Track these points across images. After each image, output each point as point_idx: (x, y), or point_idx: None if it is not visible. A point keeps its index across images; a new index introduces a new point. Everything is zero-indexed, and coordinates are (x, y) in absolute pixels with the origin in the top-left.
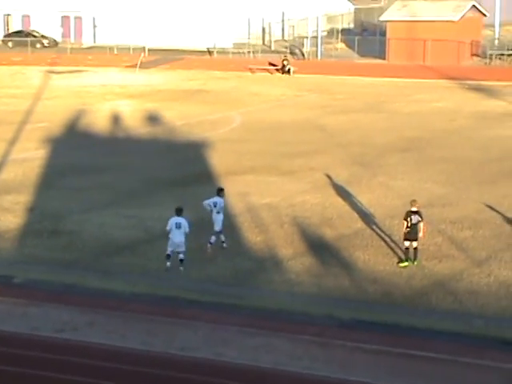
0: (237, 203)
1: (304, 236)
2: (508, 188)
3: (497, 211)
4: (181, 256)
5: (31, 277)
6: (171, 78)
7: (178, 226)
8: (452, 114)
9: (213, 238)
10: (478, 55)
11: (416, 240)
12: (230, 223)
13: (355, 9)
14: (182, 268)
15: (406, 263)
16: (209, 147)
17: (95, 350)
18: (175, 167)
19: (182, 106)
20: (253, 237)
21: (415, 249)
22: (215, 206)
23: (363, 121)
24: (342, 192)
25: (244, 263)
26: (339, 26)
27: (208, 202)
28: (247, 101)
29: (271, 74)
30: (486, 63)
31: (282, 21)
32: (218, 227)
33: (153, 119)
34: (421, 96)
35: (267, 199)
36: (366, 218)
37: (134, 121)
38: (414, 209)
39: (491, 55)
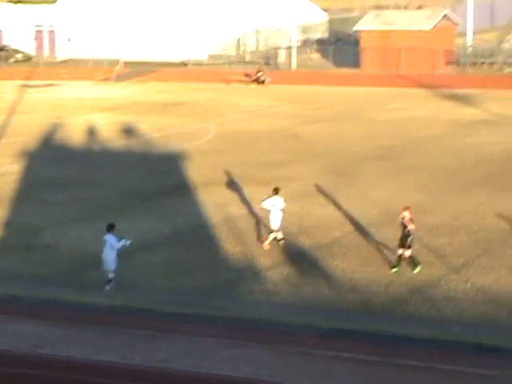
0: (214, 214)
1: (282, 246)
2: (483, 195)
3: (473, 218)
4: (109, 275)
5: (8, 292)
6: (146, 91)
7: (104, 243)
8: (427, 122)
9: (271, 236)
10: (451, 63)
11: (410, 246)
12: (207, 234)
13: (329, 19)
14: (107, 287)
15: (396, 268)
16: (185, 159)
17: (74, 365)
18: (152, 179)
19: (158, 118)
20: (231, 247)
21: (411, 257)
22: (274, 205)
23: (339, 130)
24: (320, 201)
25: (222, 274)
26: (314, 36)
27: (267, 203)
28: (223, 112)
29: (246, 84)
30: (459, 71)
31: (257, 32)
32: (275, 226)
33: (128, 132)
34: (396, 105)
35: (244, 210)
36: (344, 226)
37: (109, 134)
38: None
39: (465, 63)
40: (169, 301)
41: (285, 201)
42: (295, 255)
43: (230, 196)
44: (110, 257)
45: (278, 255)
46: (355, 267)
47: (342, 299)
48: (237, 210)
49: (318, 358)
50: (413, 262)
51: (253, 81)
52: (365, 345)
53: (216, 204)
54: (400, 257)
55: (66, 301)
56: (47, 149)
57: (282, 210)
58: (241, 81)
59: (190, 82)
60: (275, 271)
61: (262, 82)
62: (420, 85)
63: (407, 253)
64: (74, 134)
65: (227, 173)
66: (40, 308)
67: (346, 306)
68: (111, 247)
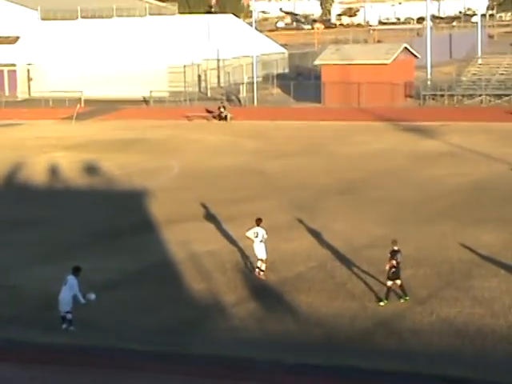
0: (178, 251)
1: (247, 282)
2: (446, 226)
3: (436, 249)
4: (68, 316)
5: None
6: (108, 129)
7: (65, 282)
8: (389, 155)
9: (259, 263)
10: (411, 96)
11: (399, 278)
12: (172, 271)
13: (289, 53)
14: (71, 328)
15: (385, 302)
16: (148, 196)
17: None
18: (115, 217)
19: (120, 155)
20: (196, 284)
21: (401, 286)
22: (257, 237)
23: (301, 164)
24: (283, 236)
25: (188, 311)
26: (274, 71)
27: (250, 233)
28: (186, 148)
29: (208, 121)
30: (419, 104)
31: (218, 67)
32: (260, 255)
33: (91, 170)
34: (357, 138)
35: (209, 246)
36: (308, 261)
37: (71, 172)
38: (395, 248)
39: (424, 96)
40: (133, 339)
41: (267, 232)
42: (260, 290)
43: (194, 233)
44: (67, 298)
45: (243, 291)
46: (320, 301)
47: (307, 334)
48: (201, 246)
49: None
50: (403, 291)
51: (215, 117)
52: (331, 379)
53: (180, 241)
54: (389, 289)
55: (31, 341)
56: (9, 188)
57: (264, 240)
58: (203, 117)
59: (152, 119)
60: (241, 307)
61: (225, 117)
62: (380, 118)
63: (398, 282)
64: (35, 173)
65: (191, 209)
66: (4, 350)
67: (311, 340)
68: (71, 288)
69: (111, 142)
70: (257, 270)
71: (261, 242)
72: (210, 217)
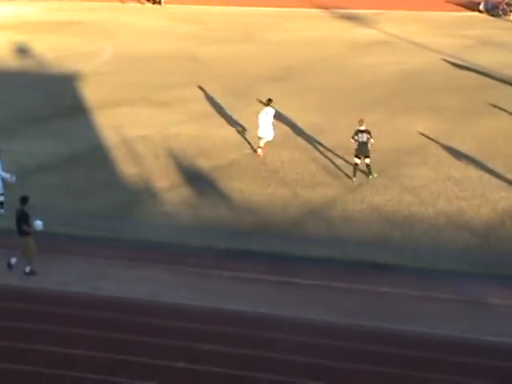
0: (111, 136)
1: (180, 168)
2: (379, 115)
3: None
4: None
5: None
6: (41, 9)
7: None
8: (323, 43)
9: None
10: None
11: (368, 157)
12: (104, 156)
13: None
14: (1, 211)
15: (354, 179)
16: (81, 80)
17: None
18: (47, 101)
19: (52, 38)
20: (128, 169)
21: (368, 165)
22: (266, 114)
23: (236, 51)
24: (217, 123)
25: (119, 196)
26: None
27: (262, 113)
28: (119, 32)
29: (142, 4)
30: None
31: None
32: (262, 133)
33: (22, 52)
34: (291, 25)
35: (142, 131)
36: (242, 148)
37: (2, 53)
38: (362, 128)
39: None
40: (65, 223)
41: (275, 112)
42: (193, 177)
43: (127, 118)
44: None
45: (175, 177)
46: (253, 189)
47: (239, 220)
48: (134, 131)
49: (216, 279)
50: (369, 170)
51: (149, 0)
52: (262, 265)
53: (113, 126)
54: (368, 166)
55: None
56: None
57: (272, 119)
58: (137, 0)
59: (85, 1)
60: (173, 193)
61: (159, 1)
62: (315, 5)
63: (368, 160)
64: None
65: (124, 94)
66: None
67: (243, 227)
68: None
69: (44, 23)
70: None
71: (270, 119)
72: (143, 102)
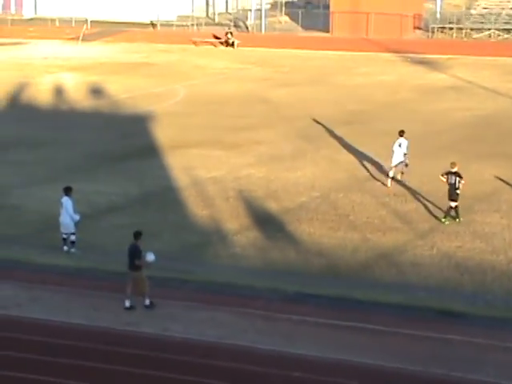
0: (182, 177)
1: (249, 210)
2: (448, 161)
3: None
4: (71, 237)
5: None
6: (114, 51)
7: (61, 205)
8: (395, 88)
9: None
10: (420, 28)
11: (454, 200)
12: (175, 197)
13: None
14: (72, 250)
15: (444, 220)
16: (153, 121)
17: (39, 326)
18: (119, 141)
19: (126, 79)
20: (198, 211)
21: (455, 208)
22: (399, 146)
23: (307, 94)
24: (287, 166)
25: (190, 238)
26: None
27: (396, 144)
28: (191, 74)
29: (215, 46)
30: (428, 36)
31: None
32: (395, 162)
33: (96, 92)
34: (364, 69)
35: (212, 173)
36: (312, 191)
37: (76, 94)
38: (453, 170)
39: (433, 28)
40: None
41: (409, 143)
42: (262, 219)
43: (198, 159)
44: (66, 220)
45: (245, 219)
46: (322, 232)
47: (308, 264)
48: (204, 173)
49: (283, 322)
50: (457, 213)
51: (222, 43)
52: (330, 309)
53: (184, 167)
54: (455, 208)
55: (32, 262)
56: (14, 108)
57: (407, 149)
58: (210, 43)
59: (159, 43)
60: (242, 235)
61: (232, 44)
62: (388, 49)
63: (453, 204)
64: (40, 93)
65: (195, 135)
66: (6, 269)
67: (312, 270)
68: (67, 210)
69: (117, 64)
70: (390, 179)
71: (404, 150)
72: (214, 143)
